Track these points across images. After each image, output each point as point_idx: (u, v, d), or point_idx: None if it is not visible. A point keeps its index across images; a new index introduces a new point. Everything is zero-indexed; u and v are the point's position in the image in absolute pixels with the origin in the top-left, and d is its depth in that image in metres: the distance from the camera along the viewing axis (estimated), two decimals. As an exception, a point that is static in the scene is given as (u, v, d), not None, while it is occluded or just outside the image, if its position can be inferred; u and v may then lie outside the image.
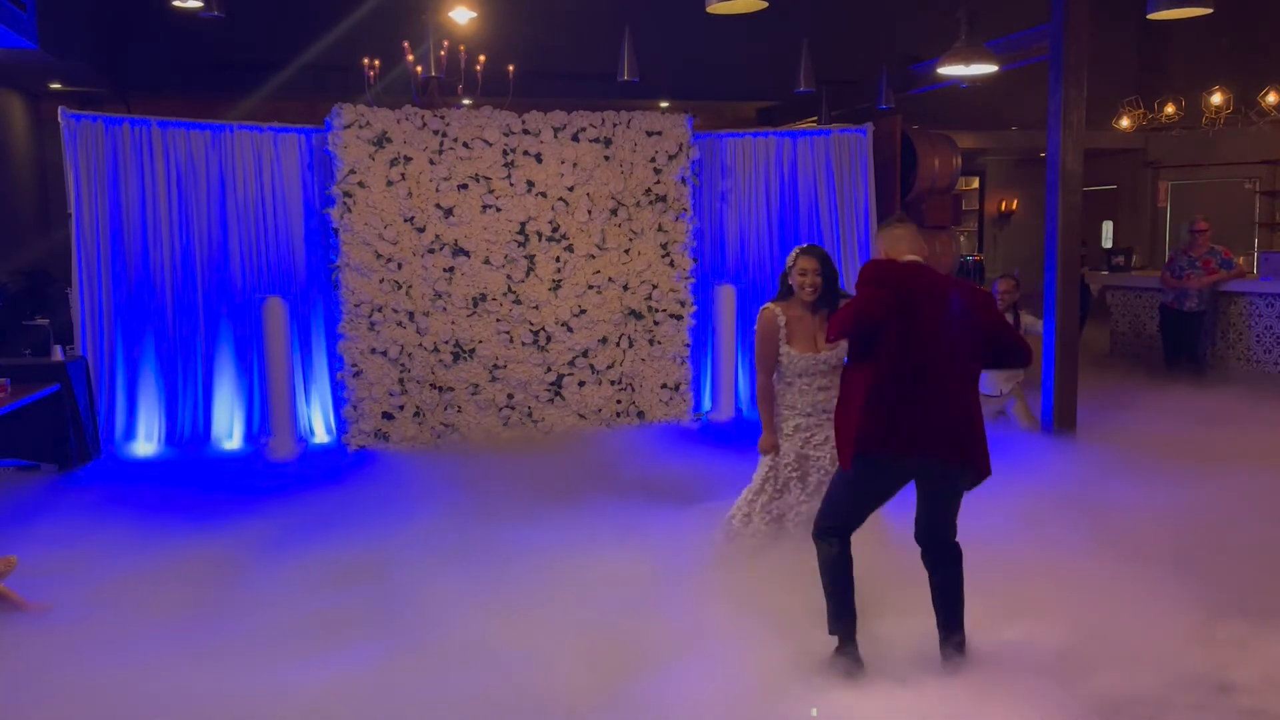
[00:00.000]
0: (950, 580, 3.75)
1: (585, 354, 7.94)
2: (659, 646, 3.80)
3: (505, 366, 7.80)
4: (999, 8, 10.02)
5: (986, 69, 7.98)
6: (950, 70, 8.06)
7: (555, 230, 7.83)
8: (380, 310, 7.56)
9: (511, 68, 9.60)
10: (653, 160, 7.94)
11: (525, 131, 7.75)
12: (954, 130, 10.67)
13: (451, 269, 7.69)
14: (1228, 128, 12.50)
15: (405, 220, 7.60)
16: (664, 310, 8.04)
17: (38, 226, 11.40)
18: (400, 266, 7.60)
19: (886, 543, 4.35)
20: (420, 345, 7.66)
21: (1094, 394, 8.13)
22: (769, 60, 11.47)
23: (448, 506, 5.76)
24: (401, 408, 7.63)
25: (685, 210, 8.01)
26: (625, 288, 7.98)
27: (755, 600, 4.19)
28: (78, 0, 9.75)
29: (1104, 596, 4.30)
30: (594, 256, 7.90)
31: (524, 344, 7.83)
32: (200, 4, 7.15)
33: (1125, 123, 13.19)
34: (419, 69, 9.36)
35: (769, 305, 4.60)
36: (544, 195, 7.79)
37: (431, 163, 7.62)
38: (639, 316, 8.02)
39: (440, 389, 7.72)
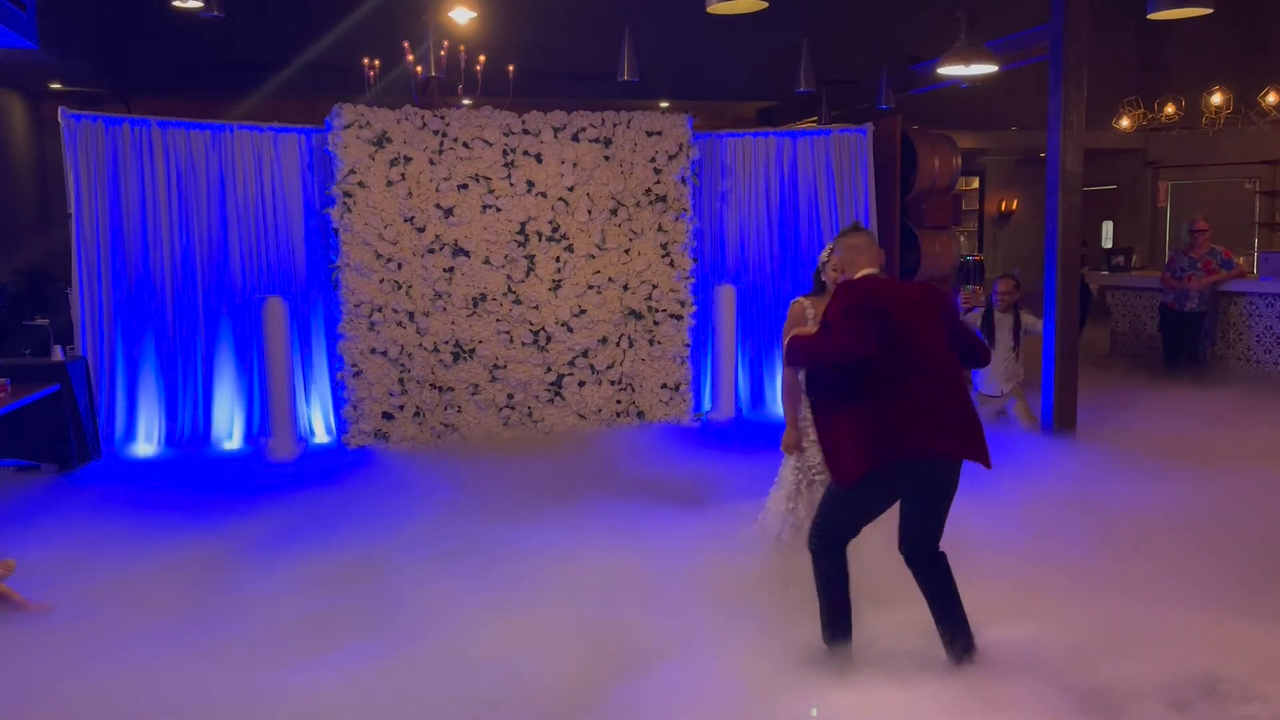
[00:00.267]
0: (945, 586, 3.69)
1: (585, 354, 7.94)
2: (657, 647, 3.80)
3: (505, 366, 7.80)
4: (999, 8, 10.02)
5: (986, 69, 7.98)
6: (950, 70, 8.06)
7: (555, 230, 7.83)
8: (380, 310, 7.56)
9: (511, 68, 9.60)
10: (653, 160, 7.94)
11: (525, 131, 7.75)
12: (954, 130, 10.67)
13: (451, 269, 7.69)
14: (1228, 128, 12.49)
15: (405, 220, 7.60)
16: (664, 310, 8.04)
17: (38, 226, 11.40)
18: (400, 266, 7.60)
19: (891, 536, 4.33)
20: (420, 345, 7.66)
21: (1094, 394, 8.14)
22: (769, 60, 11.47)
23: (447, 506, 5.76)
24: (401, 408, 7.63)
25: (685, 210, 8.01)
26: (625, 288, 7.98)
27: (754, 601, 4.20)
28: (78, 0, 9.75)
29: (1104, 596, 4.30)
30: (594, 256, 7.90)
31: (524, 344, 7.83)
32: (200, 4, 7.15)
33: (1125, 123, 13.19)
34: (419, 69, 9.36)
35: (799, 299, 4.61)
36: (544, 195, 7.80)
37: (431, 163, 7.62)
38: (639, 316, 8.02)
39: (440, 389, 7.72)
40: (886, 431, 3.49)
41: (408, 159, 7.58)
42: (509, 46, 10.21)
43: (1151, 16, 6.46)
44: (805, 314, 4.53)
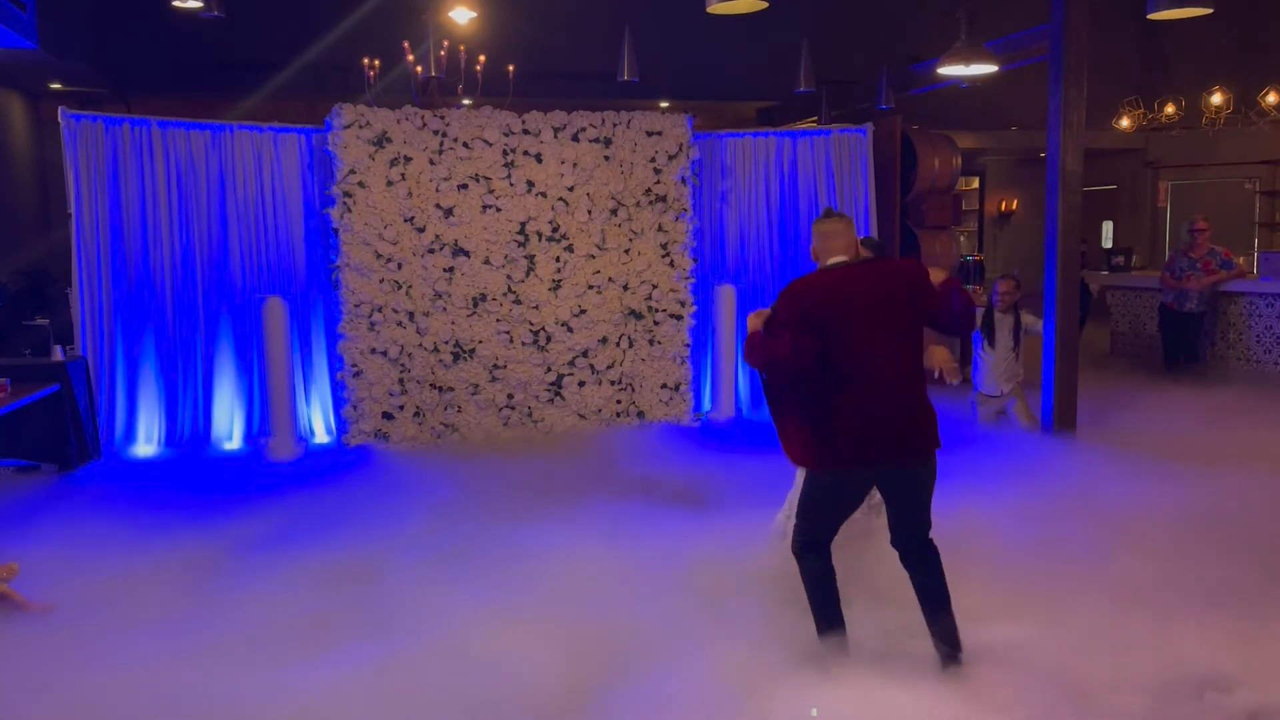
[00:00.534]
0: (934, 580, 3.72)
1: (585, 354, 7.94)
2: (656, 647, 3.80)
3: (505, 366, 7.80)
4: (999, 8, 10.02)
5: (986, 69, 7.98)
6: (950, 70, 8.06)
7: (555, 230, 7.83)
8: (380, 310, 7.56)
9: (511, 68, 9.60)
10: (653, 160, 7.94)
11: (525, 131, 7.75)
12: (954, 130, 10.68)
13: (451, 269, 7.69)
14: (1228, 128, 12.49)
15: (405, 220, 7.60)
16: (664, 310, 8.04)
17: (38, 226, 11.40)
18: (400, 266, 7.60)
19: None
20: (420, 345, 7.66)
21: (1094, 394, 8.13)
22: (769, 60, 11.46)
23: (446, 507, 5.76)
24: (401, 408, 7.63)
25: (685, 210, 8.01)
26: (625, 288, 7.98)
27: (753, 601, 4.20)
28: (78, 0, 9.75)
29: (1104, 595, 4.30)
30: (594, 256, 7.90)
31: (524, 344, 7.83)
32: (200, 4, 7.14)
33: (1125, 123, 13.19)
34: (419, 69, 9.36)
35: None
36: (544, 195, 7.80)
37: (431, 163, 7.62)
38: (639, 316, 8.02)
39: (440, 389, 7.72)
40: (830, 442, 3.59)
41: (408, 159, 7.58)
42: (509, 46, 10.21)
43: (1151, 16, 6.46)
44: None
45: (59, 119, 7.17)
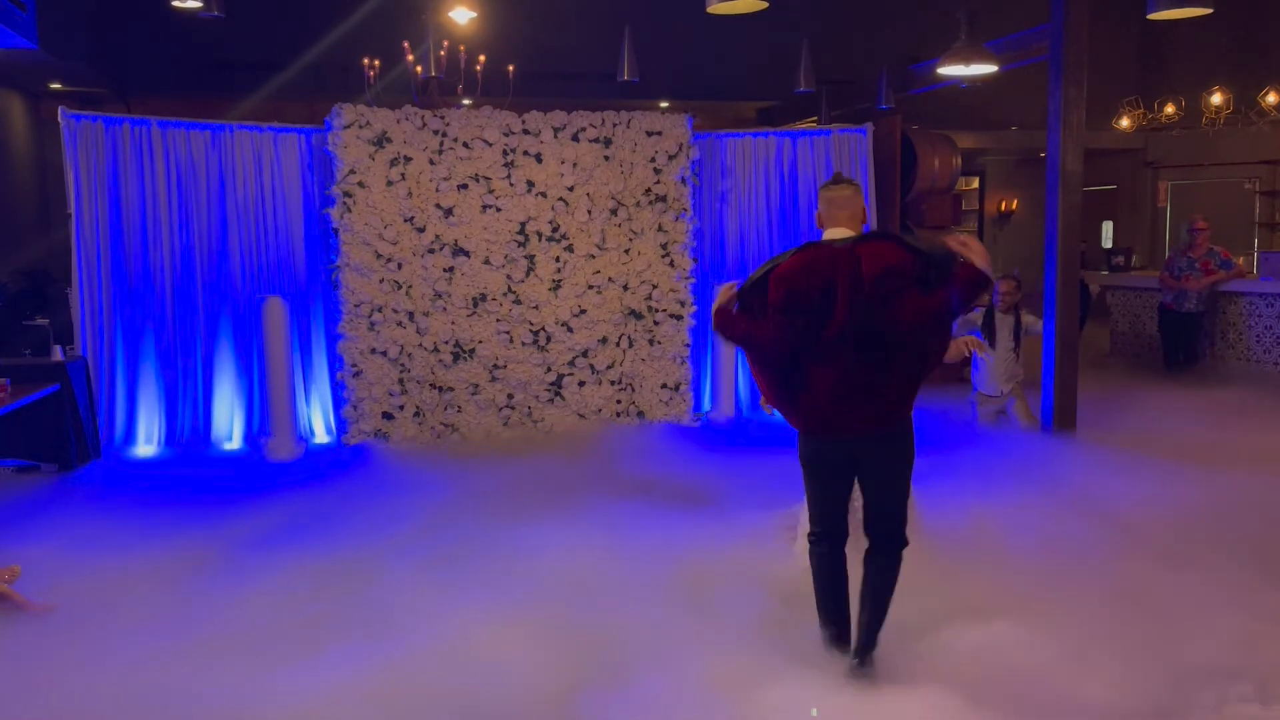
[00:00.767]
0: (881, 574, 3.63)
1: (585, 354, 7.94)
2: (651, 649, 3.78)
3: (505, 366, 7.80)
4: (999, 8, 10.02)
5: (986, 69, 7.99)
6: (950, 70, 8.07)
7: (555, 230, 7.83)
8: (380, 310, 7.56)
9: (511, 68, 9.60)
10: (653, 160, 7.94)
11: (525, 131, 7.75)
12: (954, 130, 10.69)
13: (451, 269, 7.69)
14: (1228, 128, 12.50)
15: (405, 220, 7.60)
16: (664, 310, 8.04)
17: (38, 226, 11.40)
18: (400, 266, 7.60)
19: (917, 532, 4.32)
20: (420, 345, 7.66)
21: (1094, 394, 8.14)
22: (769, 60, 11.47)
23: (446, 507, 5.76)
24: (401, 408, 7.64)
25: (685, 210, 8.01)
26: (625, 288, 7.98)
27: (752, 602, 4.19)
28: (78, 0, 9.75)
29: (1104, 594, 4.30)
30: (594, 256, 7.90)
31: (524, 344, 7.83)
32: (200, 4, 7.15)
33: (1125, 123, 13.20)
34: (419, 69, 9.36)
35: None
36: (544, 195, 7.80)
37: (431, 163, 7.62)
38: (639, 316, 8.02)
39: (440, 389, 7.72)
40: (801, 413, 3.59)
41: (408, 159, 7.58)
42: (509, 46, 10.21)
43: (1151, 16, 6.46)
44: None
45: (59, 119, 7.17)
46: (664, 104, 12.42)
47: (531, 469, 6.60)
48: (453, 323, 7.71)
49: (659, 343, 8.05)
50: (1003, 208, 17.75)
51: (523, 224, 7.78)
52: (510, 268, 7.78)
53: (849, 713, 3.37)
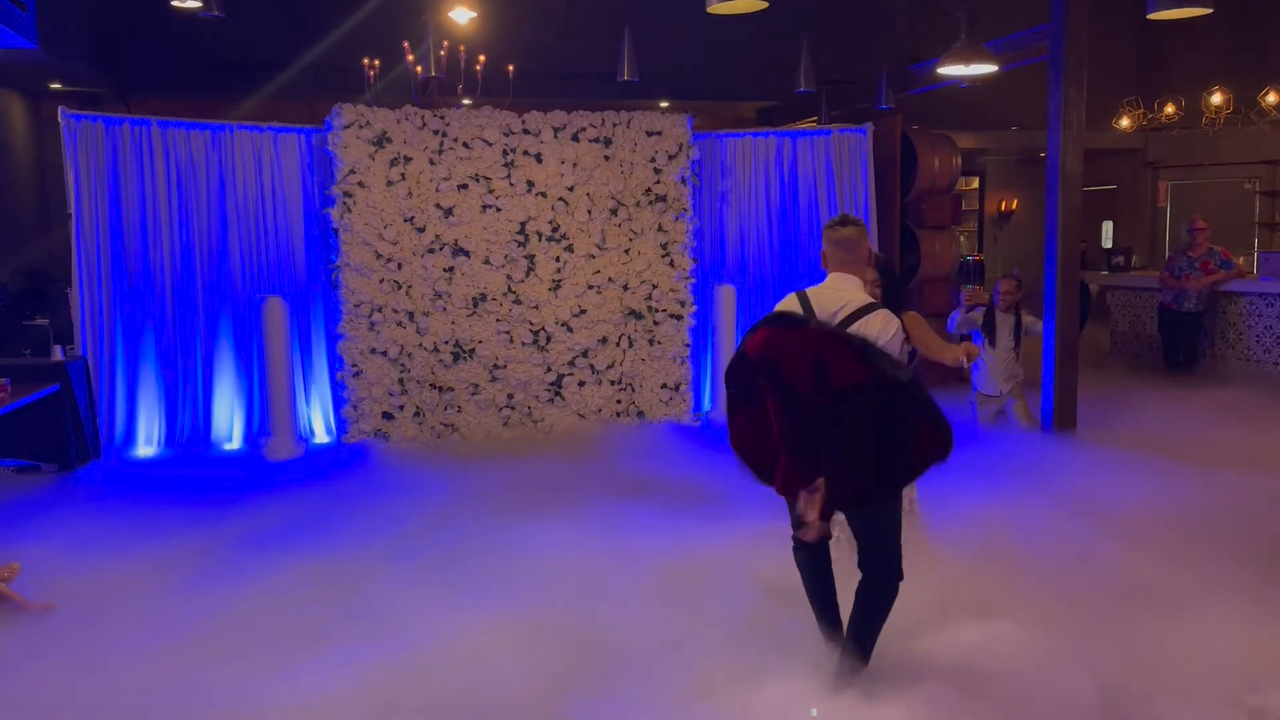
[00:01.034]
0: (870, 603, 3.51)
1: (585, 354, 7.94)
2: (649, 650, 3.79)
3: (505, 366, 7.80)
4: (999, 8, 10.02)
5: (986, 69, 7.98)
6: (950, 70, 8.06)
7: (555, 230, 7.83)
8: (380, 310, 7.56)
9: (511, 68, 9.60)
10: (653, 160, 7.94)
11: (525, 131, 7.75)
12: (954, 130, 10.68)
13: (451, 269, 7.69)
14: (1228, 128, 12.50)
15: (405, 220, 7.60)
16: (664, 310, 8.04)
17: (38, 226, 11.40)
18: (400, 266, 7.60)
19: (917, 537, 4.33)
20: (420, 345, 7.66)
21: (1094, 394, 8.14)
22: (769, 60, 11.45)
23: (446, 507, 5.76)
24: (401, 408, 7.64)
25: (685, 210, 8.02)
26: (625, 288, 7.98)
27: (751, 603, 4.19)
28: (78, 0, 9.74)
29: (1104, 593, 4.30)
30: (594, 256, 7.90)
31: (524, 344, 7.83)
32: (200, 4, 7.14)
33: (1125, 123, 13.19)
34: (419, 69, 9.35)
35: None
36: (544, 195, 7.80)
37: (431, 163, 7.62)
38: (639, 316, 8.02)
39: (440, 389, 7.72)
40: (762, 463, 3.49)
41: (408, 159, 7.58)
42: (509, 46, 10.20)
43: (1151, 16, 6.46)
44: None
45: (59, 119, 7.17)
46: (664, 104, 12.42)
47: (531, 469, 6.60)
48: (453, 323, 7.71)
49: (659, 343, 8.05)
50: (1003, 208, 17.75)
51: (523, 224, 7.78)
52: (510, 268, 7.78)
53: (849, 712, 3.37)
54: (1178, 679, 3.57)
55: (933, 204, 9.71)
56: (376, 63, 9.70)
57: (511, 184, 7.74)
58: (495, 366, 7.79)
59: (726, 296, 8.21)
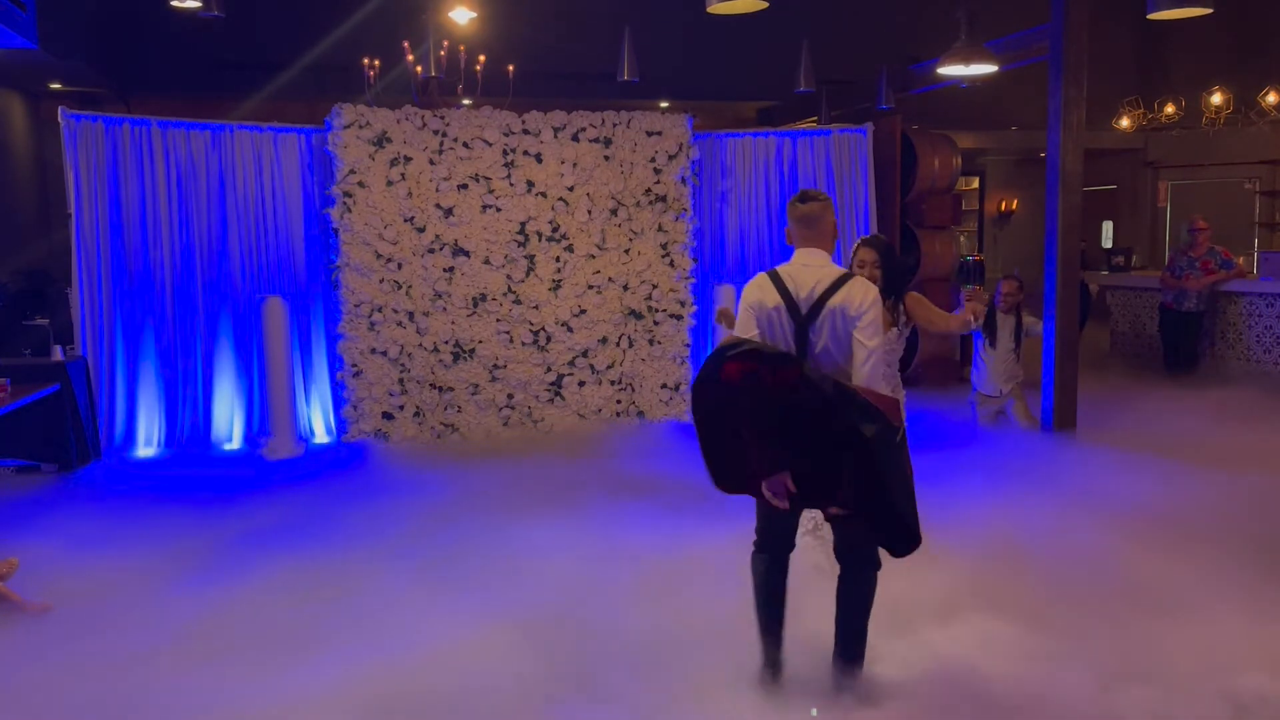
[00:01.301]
0: (850, 593, 3.44)
1: (585, 354, 7.94)
2: (647, 650, 3.78)
3: (505, 366, 7.80)
4: (999, 8, 10.02)
5: (986, 69, 7.98)
6: (950, 70, 8.06)
7: (555, 230, 7.83)
8: (380, 310, 7.56)
9: (511, 68, 9.60)
10: (653, 160, 7.94)
11: (525, 131, 7.75)
12: (954, 130, 10.68)
13: (451, 269, 7.69)
14: (1228, 128, 12.50)
15: (405, 220, 7.60)
16: (664, 310, 8.04)
17: (38, 226, 11.39)
18: (400, 266, 7.60)
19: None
20: (420, 345, 7.66)
21: (1094, 394, 8.14)
22: (769, 60, 11.45)
23: (445, 507, 5.76)
24: (401, 408, 7.64)
25: (685, 210, 8.02)
26: (625, 288, 7.98)
27: (750, 603, 4.18)
28: (78, 0, 9.74)
29: (1103, 592, 4.30)
30: (594, 256, 7.90)
31: (524, 344, 7.83)
32: (200, 4, 7.14)
33: (1125, 123, 13.20)
34: (419, 69, 9.35)
35: None
36: (544, 195, 7.80)
37: (431, 163, 7.62)
38: (639, 316, 8.02)
39: (440, 389, 7.72)
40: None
41: (408, 159, 7.58)
42: (509, 46, 10.20)
43: (1151, 16, 6.45)
44: None
45: (59, 119, 7.17)
46: (664, 104, 12.42)
47: (531, 469, 6.60)
48: (453, 323, 7.71)
49: (659, 343, 8.05)
50: (1003, 208, 17.75)
51: (523, 224, 7.78)
52: (510, 268, 7.78)
53: (849, 712, 3.37)
54: (1178, 677, 3.57)
55: (933, 204, 9.71)
56: (376, 63, 9.70)
57: (511, 184, 7.74)
58: (495, 366, 7.79)
59: (726, 296, 8.19)
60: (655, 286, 8.01)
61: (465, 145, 7.66)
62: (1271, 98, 11.48)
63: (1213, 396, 8.22)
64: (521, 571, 4.67)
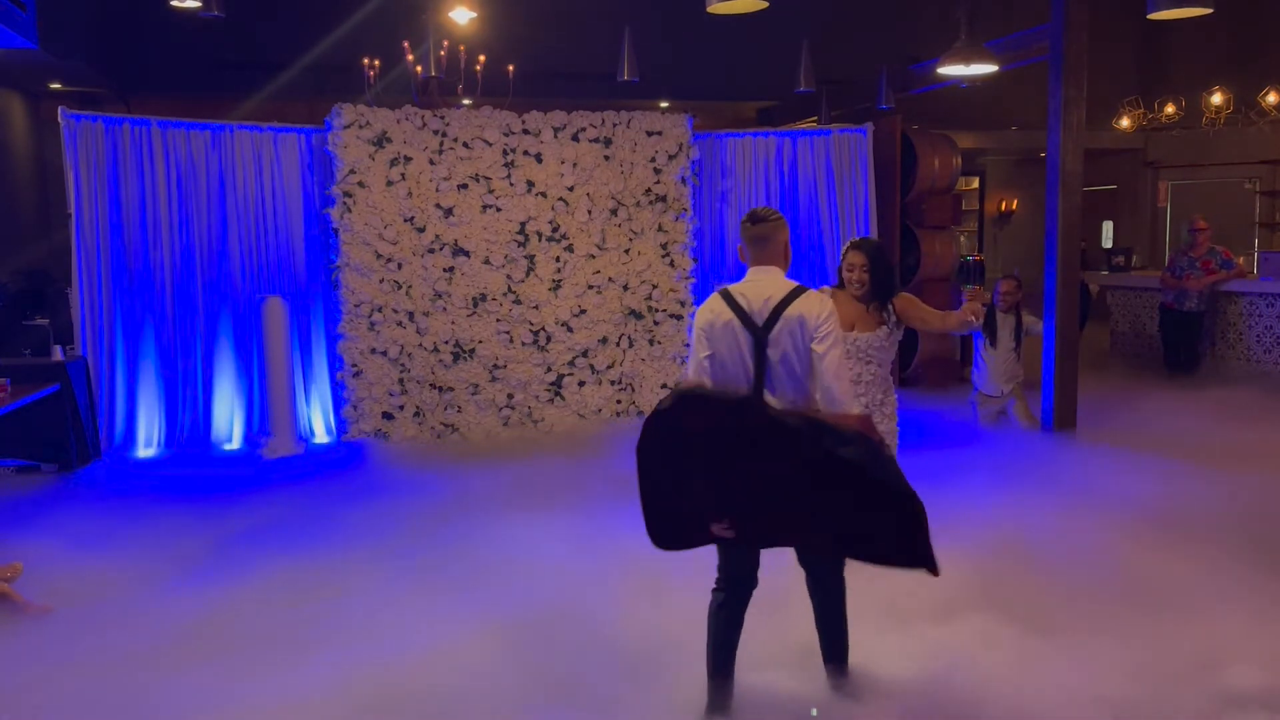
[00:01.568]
0: (825, 600, 3.41)
1: (585, 354, 7.94)
2: (646, 651, 3.79)
3: (505, 366, 7.80)
4: (999, 8, 10.02)
5: (986, 69, 7.98)
6: (950, 70, 8.06)
7: (555, 230, 7.83)
8: (380, 310, 7.56)
9: (511, 68, 9.59)
10: (653, 160, 7.94)
11: (525, 131, 7.75)
12: (954, 130, 10.68)
13: (451, 269, 7.69)
14: (1228, 128, 12.50)
15: (405, 220, 7.60)
16: (664, 310, 8.04)
17: (38, 226, 11.39)
18: (400, 266, 7.60)
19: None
20: (420, 345, 7.66)
21: (1094, 394, 8.14)
22: (769, 60, 11.45)
23: (445, 507, 5.76)
24: (401, 408, 7.64)
25: (685, 210, 8.02)
26: (625, 288, 7.98)
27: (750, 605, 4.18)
28: (78, 0, 9.74)
29: (1103, 592, 4.30)
30: (594, 256, 7.90)
31: (524, 344, 7.83)
32: (200, 4, 7.14)
33: (1125, 123, 13.20)
34: (419, 69, 9.35)
35: (824, 288, 4.60)
36: (544, 195, 7.80)
37: (431, 163, 7.62)
38: (639, 316, 8.02)
39: (440, 389, 7.72)
40: None
41: (408, 159, 7.58)
42: (509, 46, 10.20)
43: (1151, 16, 6.45)
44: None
45: (59, 119, 7.17)
46: (664, 104, 12.42)
47: (531, 469, 6.60)
48: (453, 323, 7.71)
49: (659, 343, 8.05)
50: (1003, 208, 17.75)
51: (523, 224, 7.78)
52: (510, 268, 7.78)
53: (849, 712, 3.37)
54: (1178, 675, 3.57)
55: (933, 204, 9.71)
56: (376, 63, 9.70)
57: (511, 184, 7.74)
58: (495, 366, 7.79)
59: (726, 296, 8.20)
60: (655, 286, 8.01)
61: (465, 145, 7.66)
62: (1271, 98, 11.48)
63: (1213, 396, 8.22)
64: (521, 572, 4.67)
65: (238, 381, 7.60)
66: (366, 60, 9.73)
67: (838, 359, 3.21)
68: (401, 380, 7.64)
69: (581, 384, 7.96)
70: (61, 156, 7.19)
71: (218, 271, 7.53)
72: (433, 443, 7.58)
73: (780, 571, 3.54)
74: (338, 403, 7.69)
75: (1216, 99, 12.06)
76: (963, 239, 16.03)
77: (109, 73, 10.84)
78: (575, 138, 7.83)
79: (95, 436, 7.11)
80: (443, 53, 9.23)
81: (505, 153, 7.72)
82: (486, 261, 7.74)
